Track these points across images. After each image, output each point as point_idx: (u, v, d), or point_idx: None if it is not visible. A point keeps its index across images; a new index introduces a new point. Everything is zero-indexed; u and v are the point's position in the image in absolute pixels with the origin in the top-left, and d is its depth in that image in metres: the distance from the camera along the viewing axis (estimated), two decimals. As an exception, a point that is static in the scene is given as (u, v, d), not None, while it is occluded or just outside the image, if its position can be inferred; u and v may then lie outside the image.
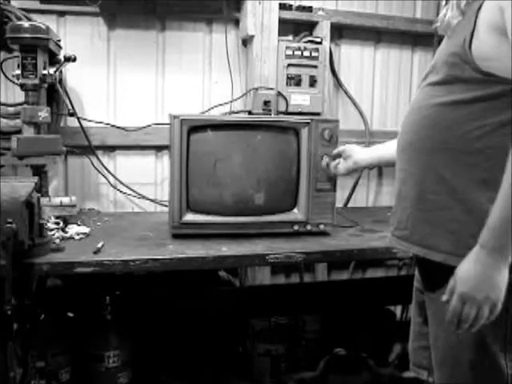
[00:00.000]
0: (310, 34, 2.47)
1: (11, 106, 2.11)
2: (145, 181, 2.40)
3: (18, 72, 1.80)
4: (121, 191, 2.37)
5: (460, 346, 1.20)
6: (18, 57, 1.82)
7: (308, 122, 1.82)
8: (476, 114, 1.14)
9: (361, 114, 2.64)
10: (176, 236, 1.77)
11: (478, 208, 1.15)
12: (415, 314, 1.47)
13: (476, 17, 1.12)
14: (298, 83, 2.40)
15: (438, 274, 1.22)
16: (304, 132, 1.82)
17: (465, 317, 1.11)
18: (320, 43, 2.41)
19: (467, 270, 1.09)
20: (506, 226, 1.03)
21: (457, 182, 1.17)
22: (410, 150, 1.26)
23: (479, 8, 1.12)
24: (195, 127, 1.75)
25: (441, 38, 1.31)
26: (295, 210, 1.85)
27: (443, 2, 1.27)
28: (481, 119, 1.14)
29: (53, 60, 1.90)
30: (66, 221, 1.83)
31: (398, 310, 2.72)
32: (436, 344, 1.28)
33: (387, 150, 1.61)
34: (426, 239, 1.22)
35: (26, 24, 1.79)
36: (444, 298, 1.14)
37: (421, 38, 2.68)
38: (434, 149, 1.20)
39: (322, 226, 1.86)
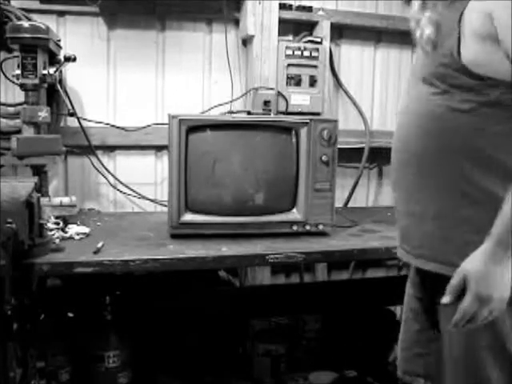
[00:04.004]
0: (310, 34, 2.47)
1: (11, 106, 2.11)
2: (145, 181, 2.40)
3: (18, 72, 1.80)
4: (121, 191, 2.37)
5: (483, 349, 1.18)
6: (17, 57, 1.82)
7: (307, 122, 1.82)
8: (484, 122, 1.13)
9: (361, 113, 2.64)
10: (174, 236, 1.77)
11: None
12: (410, 321, 1.43)
13: (459, 24, 1.12)
14: (298, 83, 2.40)
15: None
16: (303, 132, 1.82)
17: (475, 316, 1.09)
18: (320, 43, 2.41)
19: (483, 268, 1.07)
20: None
21: (478, 194, 1.15)
22: (420, 164, 1.23)
23: (461, 15, 1.12)
24: (194, 127, 1.75)
25: None
26: (294, 210, 1.85)
27: (412, 24, 1.27)
28: (489, 127, 1.13)
29: (53, 60, 1.89)
30: (66, 221, 1.83)
31: (398, 310, 2.72)
32: (452, 351, 1.25)
33: None
34: (447, 256, 1.19)
35: (26, 24, 1.79)
36: (446, 299, 1.11)
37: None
38: (449, 162, 1.18)
39: (321, 226, 1.86)
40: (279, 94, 2.37)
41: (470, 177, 1.16)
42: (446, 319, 1.25)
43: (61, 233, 1.73)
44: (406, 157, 1.28)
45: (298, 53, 2.38)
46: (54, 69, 1.85)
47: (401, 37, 2.68)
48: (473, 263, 1.09)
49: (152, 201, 2.40)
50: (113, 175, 2.35)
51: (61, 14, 2.24)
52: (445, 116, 1.18)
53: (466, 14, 1.12)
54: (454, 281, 1.11)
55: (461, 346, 1.23)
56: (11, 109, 2.10)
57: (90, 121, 2.28)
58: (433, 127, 1.20)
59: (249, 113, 2.34)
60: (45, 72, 1.81)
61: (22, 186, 1.48)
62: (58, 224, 1.75)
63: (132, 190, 2.36)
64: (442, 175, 1.20)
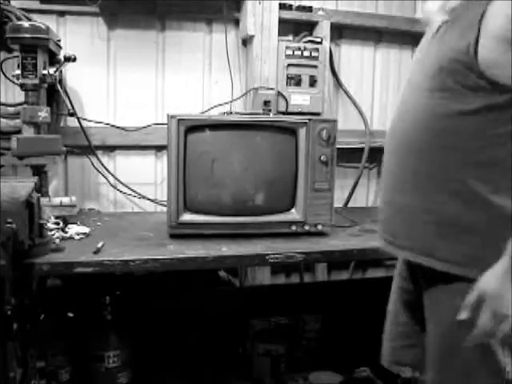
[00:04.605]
0: (310, 34, 2.47)
1: (11, 106, 2.11)
2: (145, 181, 2.40)
3: (18, 72, 1.80)
4: (121, 191, 2.37)
5: (468, 348, 1.17)
6: (17, 57, 1.82)
7: (305, 122, 1.82)
8: (484, 124, 1.13)
9: (361, 113, 2.64)
10: (173, 236, 1.77)
11: (491, 215, 1.13)
12: (398, 313, 1.45)
13: (479, 22, 1.10)
14: (298, 83, 2.40)
15: (441, 278, 1.21)
16: (302, 132, 1.81)
17: (493, 332, 1.09)
18: (320, 43, 2.41)
19: (499, 286, 1.07)
20: None
21: (466, 191, 1.15)
22: (414, 157, 1.23)
23: (482, 13, 1.10)
24: (192, 127, 1.75)
25: None
26: (293, 211, 1.85)
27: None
28: (490, 129, 1.13)
29: (53, 60, 1.90)
30: (66, 221, 1.83)
31: (397, 309, 2.72)
32: (438, 342, 1.25)
33: None
34: (441, 252, 1.19)
35: (26, 24, 1.79)
36: (463, 315, 1.11)
37: (421, 37, 2.66)
38: (439, 159, 1.18)
39: (319, 227, 1.86)
40: (279, 94, 2.37)
41: (463, 176, 1.16)
42: (432, 316, 1.27)
43: (61, 233, 1.73)
44: (400, 148, 1.27)
45: (298, 53, 2.38)
46: (54, 69, 1.86)
47: (401, 37, 2.69)
48: (489, 279, 1.09)
49: (152, 201, 2.40)
50: (113, 175, 2.35)
51: (61, 14, 2.24)
52: (447, 115, 1.17)
53: (488, 14, 1.09)
54: (471, 296, 1.11)
55: (446, 344, 1.23)
56: (11, 109, 2.10)
57: (89, 121, 2.28)
58: (433, 125, 1.19)
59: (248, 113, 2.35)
60: (45, 72, 1.81)
61: (21, 186, 1.48)
62: (58, 224, 1.76)
63: (132, 189, 2.37)
64: (435, 171, 1.19)
